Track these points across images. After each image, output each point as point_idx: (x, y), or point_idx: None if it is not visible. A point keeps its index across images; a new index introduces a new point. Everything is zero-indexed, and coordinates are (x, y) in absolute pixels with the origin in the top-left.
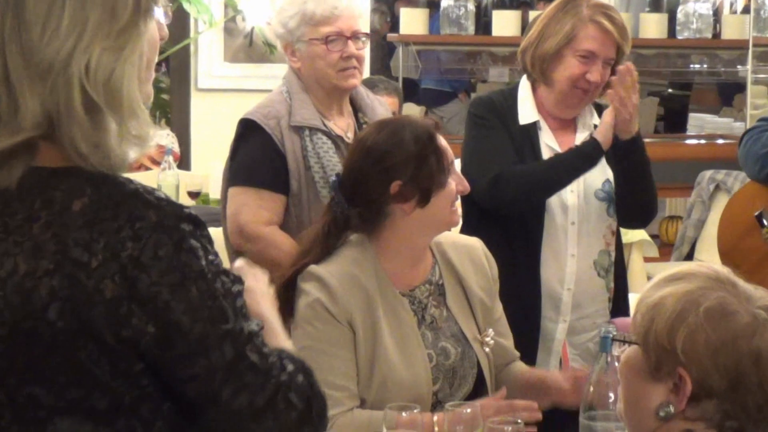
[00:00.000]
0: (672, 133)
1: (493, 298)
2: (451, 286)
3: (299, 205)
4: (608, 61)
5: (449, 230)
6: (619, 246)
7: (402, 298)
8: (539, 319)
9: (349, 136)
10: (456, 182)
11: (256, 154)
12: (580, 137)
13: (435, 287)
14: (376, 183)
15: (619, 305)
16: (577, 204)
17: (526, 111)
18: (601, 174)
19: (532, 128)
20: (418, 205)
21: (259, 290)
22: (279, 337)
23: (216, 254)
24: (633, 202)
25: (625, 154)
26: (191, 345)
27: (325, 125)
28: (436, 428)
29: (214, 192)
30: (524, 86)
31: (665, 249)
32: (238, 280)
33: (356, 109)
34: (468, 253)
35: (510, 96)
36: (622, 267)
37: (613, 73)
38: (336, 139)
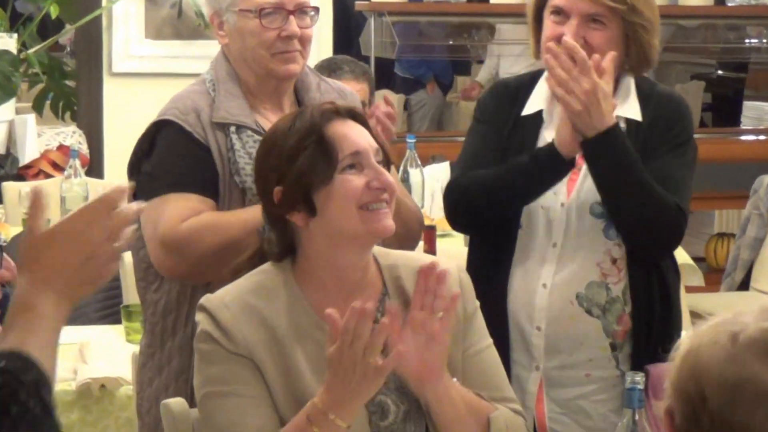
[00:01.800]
0: (722, 127)
1: (458, 338)
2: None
3: None
4: (590, 17)
5: (373, 241)
6: (642, 273)
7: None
8: (509, 362)
9: None
10: (370, 177)
11: (170, 155)
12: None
13: None
14: (263, 191)
15: (649, 353)
16: (566, 221)
17: (536, 98)
18: None
19: (535, 120)
20: (309, 214)
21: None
22: (39, 334)
23: None
24: (621, 222)
25: (593, 158)
26: None
27: (256, 123)
28: None
29: None
30: None
31: (713, 275)
32: None
33: (300, 103)
34: None
35: (532, 79)
36: (647, 302)
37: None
38: None
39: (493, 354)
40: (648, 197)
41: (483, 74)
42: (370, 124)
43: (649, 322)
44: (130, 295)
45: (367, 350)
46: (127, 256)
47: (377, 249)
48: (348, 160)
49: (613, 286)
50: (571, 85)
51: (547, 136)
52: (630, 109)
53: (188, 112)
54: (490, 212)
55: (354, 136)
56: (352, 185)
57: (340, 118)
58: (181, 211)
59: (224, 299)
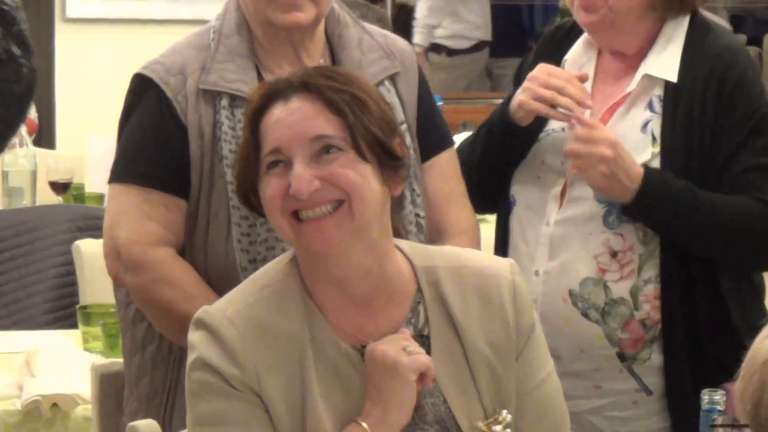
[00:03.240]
0: None
1: (509, 359)
2: (441, 338)
3: (194, 215)
4: None
5: (310, 256)
6: (678, 271)
7: (352, 352)
8: None
9: None
10: (291, 179)
11: (143, 132)
12: (626, 90)
13: (415, 341)
14: None
15: (682, 376)
16: (566, 197)
17: (576, 46)
18: None
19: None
20: (258, 214)
21: None
22: None
23: None
24: (723, 263)
25: (646, 220)
26: None
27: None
28: None
29: (93, 183)
30: None
31: None
32: None
33: (334, 57)
34: (478, 284)
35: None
36: (687, 307)
37: None
38: None
39: (553, 384)
40: (726, 243)
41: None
42: None
43: (695, 333)
44: (88, 292)
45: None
46: (85, 245)
47: (410, 245)
48: (269, 158)
49: (613, 285)
50: (591, 160)
51: None
52: (663, 65)
53: (174, 72)
54: (473, 184)
55: (281, 124)
56: (267, 192)
57: (283, 98)
58: (141, 222)
59: (226, 312)
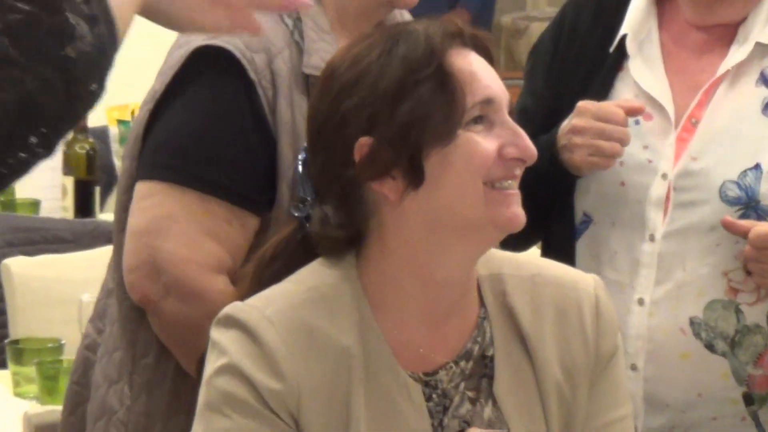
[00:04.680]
0: None
1: (583, 389)
2: (508, 360)
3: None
4: None
5: (497, 236)
6: None
7: (411, 383)
8: None
9: None
10: (505, 140)
11: (213, 122)
12: (732, 61)
13: (477, 362)
14: (335, 144)
15: None
16: (672, 201)
17: (633, 17)
18: (742, 152)
19: (621, 53)
20: (410, 183)
21: None
22: None
23: None
24: None
25: None
26: None
27: None
28: None
29: (26, 186)
30: None
31: None
32: None
33: None
34: (554, 296)
35: None
36: None
37: None
38: None
39: (627, 429)
40: None
41: None
42: None
43: None
44: (20, 323)
45: None
46: (16, 264)
47: None
48: (476, 110)
49: (748, 308)
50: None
51: (635, 73)
52: None
53: (256, 48)
54: None
55: (485, 75)
56: (480, 149)
57: (464, 46)
58: (199, 239)
59: (265, 311)
